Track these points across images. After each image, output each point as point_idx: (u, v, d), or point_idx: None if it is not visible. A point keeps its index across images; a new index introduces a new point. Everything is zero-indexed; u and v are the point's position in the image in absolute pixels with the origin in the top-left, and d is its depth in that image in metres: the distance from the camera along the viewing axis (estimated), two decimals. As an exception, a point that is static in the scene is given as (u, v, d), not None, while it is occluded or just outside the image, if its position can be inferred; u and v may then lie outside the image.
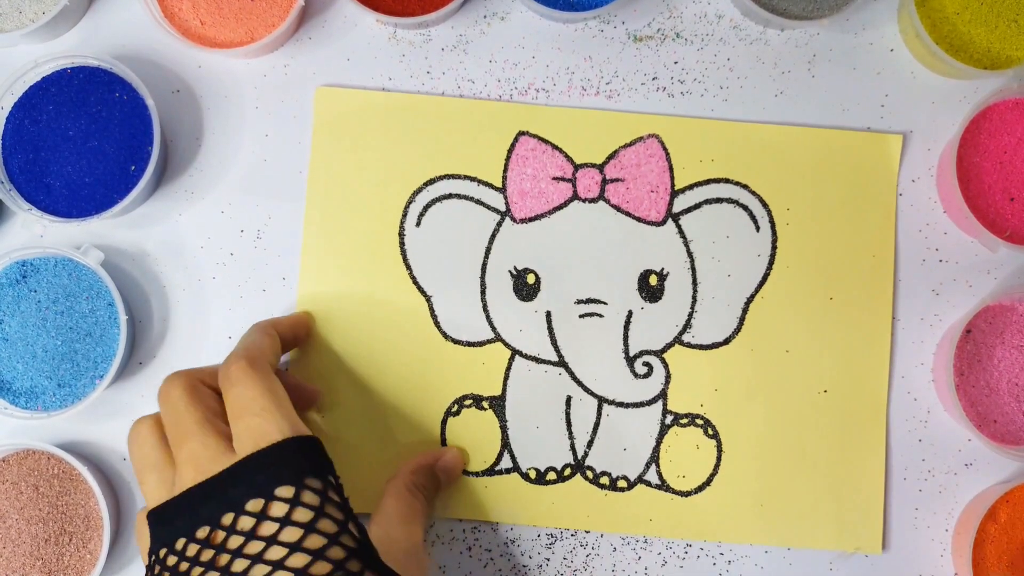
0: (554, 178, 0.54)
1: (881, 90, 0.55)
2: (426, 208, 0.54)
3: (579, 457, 0.54)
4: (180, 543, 0.38)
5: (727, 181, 0.54)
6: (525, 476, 0.54)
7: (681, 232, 0.54)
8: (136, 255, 0.54)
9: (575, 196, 0.54)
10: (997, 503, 0.52)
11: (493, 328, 0.54)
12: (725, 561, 0.54)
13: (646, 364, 0.54)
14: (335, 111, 0.54)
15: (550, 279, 0.54)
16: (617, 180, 0.54)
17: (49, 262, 0.52)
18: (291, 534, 0.37)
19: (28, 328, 0.52)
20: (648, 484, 0.54)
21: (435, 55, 0.55)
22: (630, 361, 0.54)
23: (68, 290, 0.52)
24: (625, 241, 0.54)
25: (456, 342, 0.54)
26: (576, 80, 0.55)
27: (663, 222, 0.54)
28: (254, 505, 0.37)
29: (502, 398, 0.54)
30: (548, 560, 0.54)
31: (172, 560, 0.37)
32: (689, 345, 0.54)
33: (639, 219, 0.54)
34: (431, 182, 0.54)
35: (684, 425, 0.54)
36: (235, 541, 0.37)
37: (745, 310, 0.54)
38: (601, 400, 0.54)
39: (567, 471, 0.54)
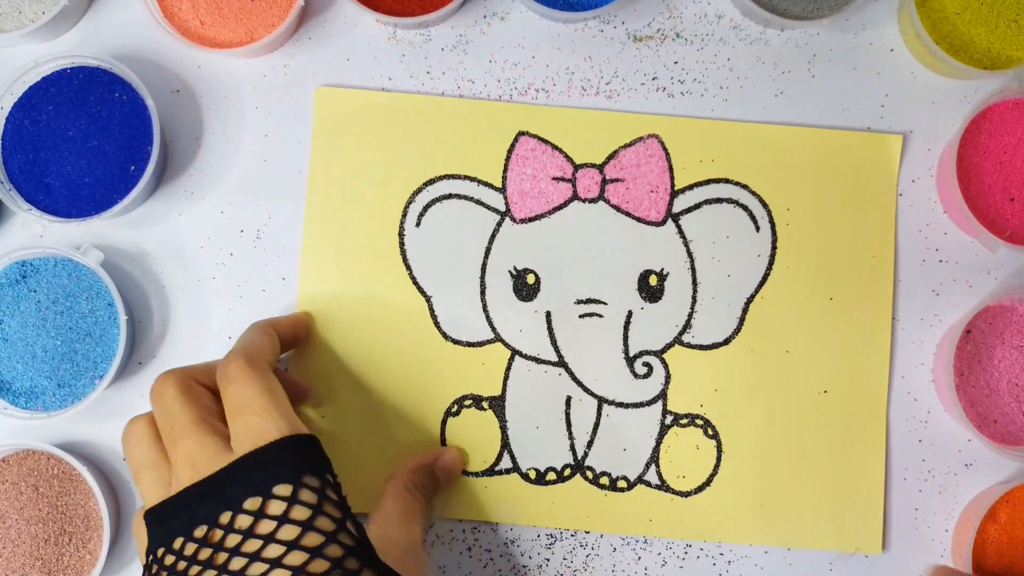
0: (554, 178, 0.54)
1: (881, 90, 0.55)
2: (426, 208, 0.54)
3: (579, 457, 0.54)
4: (178, 542, 0.38)
5: (727, 181, 0.54)
6: (525, 476, 0.54)
7: (681, 232, 0.54)
8: (136, 255, 0.54)
9: (575, 196, 0.54)
10: (997, 503, 0.52)
11: (493, 328, 0.54)
12: (725, 561, 0.54)
13: (646, 364, 0.54)
14: (335, 111, 0.54)
15: (550, 279, 0.54)
16: (617, 180, 0.54)
17: (49, 262, 0.52)
18: (289, 532, 0.37)
19: (28, 328, 0.52)
20: (648, 484, 0.54)
21: (435, 55, 0.55)
22: (630, 361, 0.54)
23: (68, 290, 0.52)
24: (625, 241, 0.54)
25: (456, 342, 0.54)
26: (576, 80, 0.55)
27: (663, 222, 0.54)
28: (252, 503, 0.37)
29: (502, 398, 0.54)
30: (548, 560, 0.54)
31: (170, 559, 0.37)
32: (689, 345, 0.54)
33: (639, 219, 0.54)
34: (431, 182, 0.54)
35: (684, 425, 0.54)
36: (233, 539, 0.37)
37: (745, 310, 0.54)
38: (601, 400, 0.54)
39: (567, 471, 0.54)
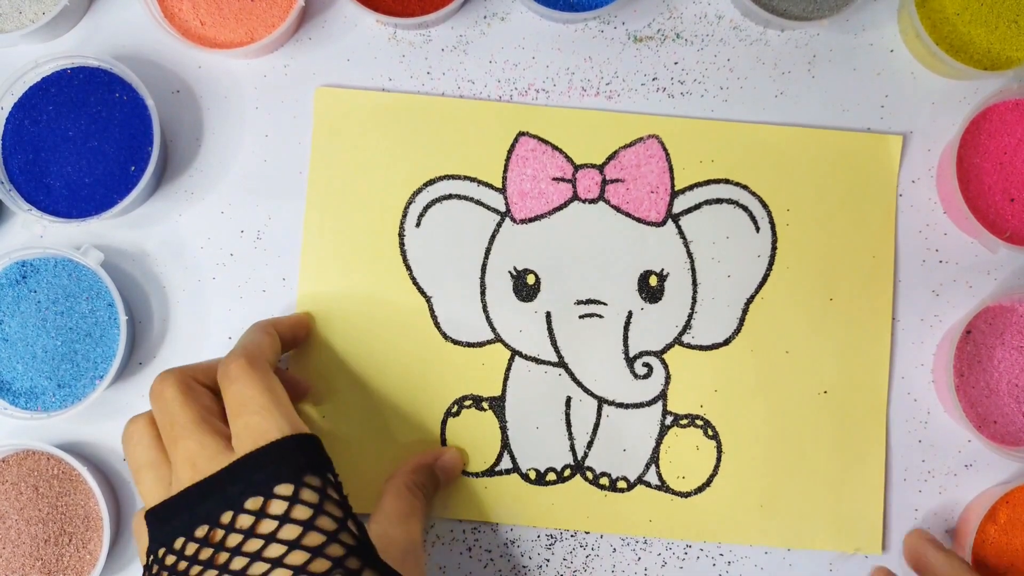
0: (554, 179, 0.54)
1: (881, 90, 0.55)
2: (426, 208, 0.54)
3: (579, 458, 0.54)
4: (179, 542, 0.38)
5: (727, 182, 0.54)
6: (525, 477, 0.54)
7: (681, 233, 0.54)
8: (136, 255, 0.54)
9: (575, 197, 0.54)
10: (997, 504, 0.52)
11: (493, 328, 0.54)
12: (725, 562, 0.54)
13: (646, 365, 0.54)
14: (335, 111, 0.54)
15: (550, 280, 0.54)
16: (617, 181, 0.54)
17: (49, 262, 0.52)
18: (290, 532, 0.37)
19: (28, 328, 0.52)
20: (648, 485, 0.54)
21: (435, 55, 0.55)
22: (630, 362, 0.54)
23: (68, 290, 0.52)
24: (625, 242, 0.54)
25: (456, 342, 0.54)
26: (576, 80, 0.55)
27: (663, 223, 0.54)
28: (253, 503, 0.37)
29: (502, 398, 0.54)
30: (548, 561, 0.54)
31: (171, 559, 0.37)
32: (689, 346, 0.54)
33: (639, 220, 0.54)
34: (431, 182, 0.54)
35: (684, 426, 0.54)
36: (234, 539, 0.37)
37: (745, 311, 0.54)
38: (601, 401, 0.54)
39: (567, 472, 0.54)
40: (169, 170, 0.55)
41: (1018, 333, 0.53)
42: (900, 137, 0.55)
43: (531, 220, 0.54)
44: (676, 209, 0.54)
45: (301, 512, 0.37)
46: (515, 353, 0.54)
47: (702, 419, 0.54)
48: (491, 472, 0.54)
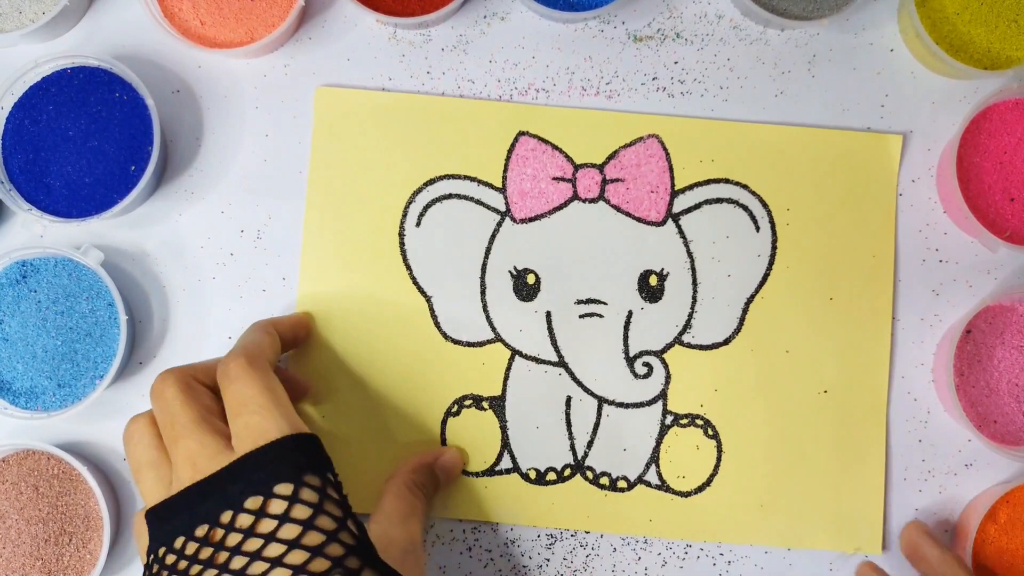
0: (554, 178, 0.54)
1: (881, 90, 0.55)
2: (426, 208, 0.54)
3: (579, 457, 0.54)
4: (179, 541, 0.38)
5: (727, 181, 0.54)
6: (525, 476, 0.54)
7: (681, 232, 0.54)
8: (136, 255, 0.54)
9: (575, 196, 0.54)
10: (997, 503, 0.52)
11: (493, 328, 0.54)
12: (725, 561, 0.54)
13: (646, 364, 0.54)
14: (335, 111, 0.54)
15: (550, 279, 0.54)
16: (617, 180, 0.54)
17: (49, 262, 0.52)
18: (290, 531, 0.37)
19: (28, 328, 0.52)
20: (648, 484, 0.54)
21: (435, 55, 0.55)
22: (630, 361, 0.54)
23: (68, 290, 0.52)
24: (625, 241, 0.54)
25: (456, 342, 0.54)
26: (576, 80, 0.55)
27: (663, 222, 0.54)
28: (253, 502, 0.37)
29: (502, 398, 0.54)
30: (548, 560, 0.54)
31: (171, 559, 0.37)
32: (689, 345, 0.54)
33: (639, 219, 0.54)
34: (431, 182, 0.54)
35: (684, 425, 0.54)
36: (234, 538, 0.37)
37: (745, 310, 0.54)
38: (601, 400, 0.54)
39: (567, 471, 0.54)
40: (169, 170, 0.55)
41: (1018, 332, 0.53)
42: (900, 137, 0.55)
43: (531, 220, 0.54)
44: (676, 209, 0.54)
45: (301, 511, 0.37)
46: (515, 353, 0.54)
47: (702, 419, 0.54)
48: (491, 472, 0.54)
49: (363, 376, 0.53)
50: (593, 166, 0.54)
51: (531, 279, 0.54)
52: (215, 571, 0.36)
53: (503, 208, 0.54)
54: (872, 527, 0.53)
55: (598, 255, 0.54)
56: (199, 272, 0.54)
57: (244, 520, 0.37)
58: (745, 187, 0.54)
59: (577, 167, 0.54)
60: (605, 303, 0.54)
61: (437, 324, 0.54)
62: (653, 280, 0.54)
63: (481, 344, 0.54)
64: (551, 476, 0.54)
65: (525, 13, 0.55)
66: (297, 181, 0.54)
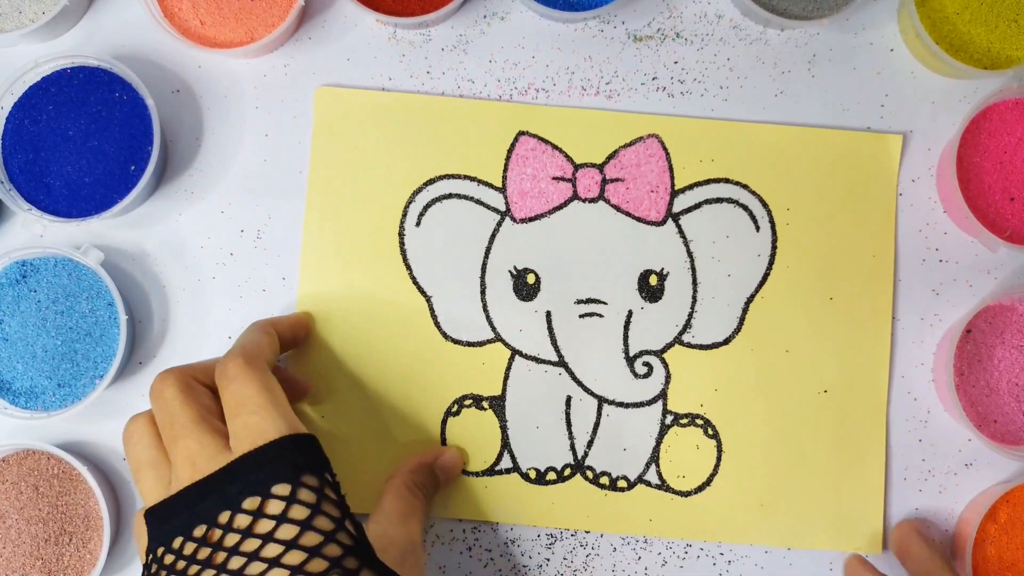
0: (554, 178, 0.54)
1: (881, 90, 0.55)
2: (426, 208, 0.54)
3: (579, 457, 0.54)
4: (177, 542, 0.38)
5: (727, 181, 0.54)
6: (525, 476, 0.54)
7: (681, 232, 0.54)
8: (136, 255, 0.54)
9: (575, 196, 0.54)
10: (997, 503, 0.52)
11: (493, 328, 0.54)
12: (725, 561, 0.54)
13: (646, 364, 0.54)
14: (335, 111, 0.54)
15: (550, 279, 0.54)
16: (617, 180, 0.54)
17: (49, 262, 0.52)
18: (287, 531, 0.37)
19: (28, 328, 0.52)
20: (648, 484, 0.54)
21: (435, 55, 0.55)
22: (630, 361, 0.54)
23: (68, 290, 0.52)
24: (625, 241, 0.54)
25: (456, 342, 0.54)
26: (576, 80, 0.55)
27: (663, 222, 0.54)
28: (250, 503, 0.37)
29: (502, 398, 0.54)
30: (548, 560, 0.54)
31: (169, 559, 0.37)
32: (689, 345, 0.54)
33: (639, 219, 0.54)
34: (431, 182, 0.54)
35: (684, 425, 0.54)
36: (232, 539, 0.37)
37: (745, 310, 0.54)
38: (601, 400, 0.54)
39: (567, 471, 0.54)
40: (169, 170, 0.55)
41: (1018, 332, 0.53)
42: (900, 136, 0.55)
43: (531, 219, 0.54)
44: (676, 208, 0.54)
45: (298, 512, 0.37)
46: (515, 352, 0.54)
47: (702, 418, 0.54)
48: (491, 472, 0.54)
49: (363, 376, 0.53)
50: (593, 166, 0.54)
51: (531, 279, 0.54)
52: (213, 571, 0.36)
53: (503, 208, 0.54)
54: (872, 527, 0.53)
55: (598, 255, 0.54)
56: (199, 272, 0.54)
57: (242, 520, 0.37)
58: (745, 187, 0.54)
59: (577, 167, 0.54)
60: (605, 303, 0.54)
61: (437, 324, 0.54)
62: (653, 280, 0.54)
63: (481, 344, 0.54)
64: (551, 476, 0.54)
65: (525, 13, 0.55)
66: (297, 181, 0.54)
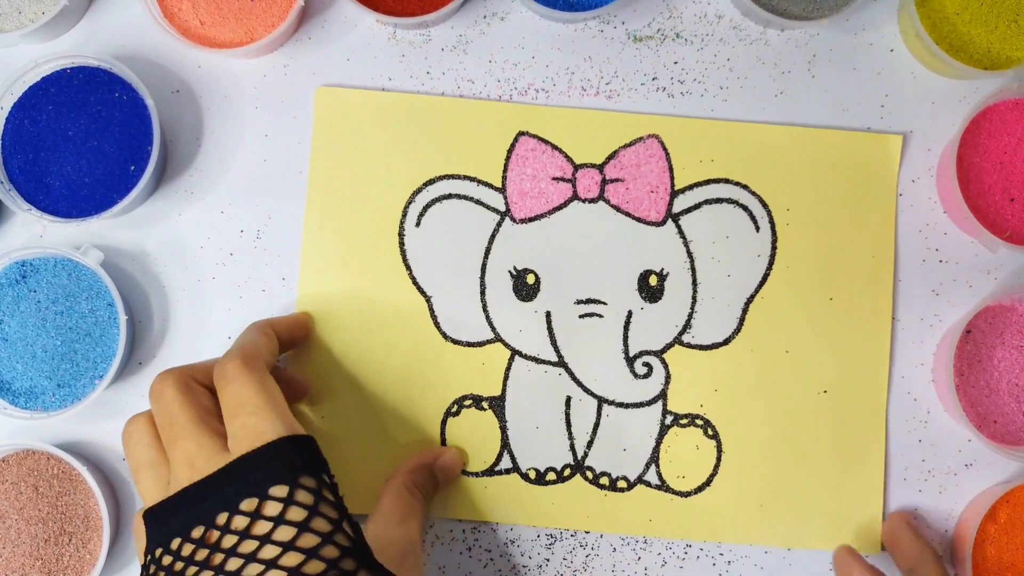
0: (554, 178, 0.54)
1: (881, 90, 0.55)
2: (426, 208, 0.54)
3: (579, 457, 0.54)
4: (175, 543, 0.38)
5: (727, 181, 0.54)
6: (525, 476, 0.54)
7: (681, 232, 0.54)
8: (136, 255, 0.54)
9: (575, 196, 0.54)
10: (997, 503, 0.52)
11: (493, 328, 0.54)
12: (725, 561, 0.54)
13: (646, 364, 0.54)
14: (335, 111, 0.54)
15: (550, 279, 0.54)
16: (617, 180, 0.54)
17: (49, 262, 0.52)
18: (285, 533, 0.37)
19: (28, 328, 0.52)
20: (648, 484, 0.54)
21: (435, 55, 0.55)
22: (630, 361, 0.54)
23: (68, 290, 0.52)
24: (625, 241, 0.54)
25: (456, 342, 0.54)
26: (576, 80, 0.55)
27: (663, 222, 0.54)
28: (248, 504, 0.37)
29: (502, 398, 0.54)
30: (548, 560, 0.54)
31: (167, 560, 0.37)
32: (689, 345, 0.54)
33: (639, 219, 0.54)
34: (431, 182, 0.54)
35: (684, 425, 0.54)
36: (229, 540, 0.37)
37: (745, 310, 0.54)
38: (601, 400, 0.54)
39: (567, 471, 0.54)
40: (169, 170, 0.55)
41: (1018, 333, 0.53)
42: (900, 137, 0.55)
43: (531, 220, 0.54)
44: (676, 209, 0.54)
45: (296, 513, 0.37)
46: (515, 353, 0.54)
47: (702, 419, 0.54)
48: (491, 472, 0.54)
49: (362, 376, 0.53)
50: (593, 166, 0.54)
51: (531, 279, 0.54)
52: (210, 573, 0.36)
53: (503, 208, 0.54)
54: (872, 527, 0.53)
55: (598, 255, 0.54)
56: (199, 272, 0.54)
57: (239, 522, 0.37)
58: (745, 187, 0.54)
59: (577, 167, 0.54)
60: (605, 303, 0.54)
61: (437, 324, 0.54)
62: (653, 280, 0.54)
63: (481, 344, 0.54)
64: (551, 476, 0.54)
65: (525, 13, 0.55)
66: (297, 181, 0.54)
